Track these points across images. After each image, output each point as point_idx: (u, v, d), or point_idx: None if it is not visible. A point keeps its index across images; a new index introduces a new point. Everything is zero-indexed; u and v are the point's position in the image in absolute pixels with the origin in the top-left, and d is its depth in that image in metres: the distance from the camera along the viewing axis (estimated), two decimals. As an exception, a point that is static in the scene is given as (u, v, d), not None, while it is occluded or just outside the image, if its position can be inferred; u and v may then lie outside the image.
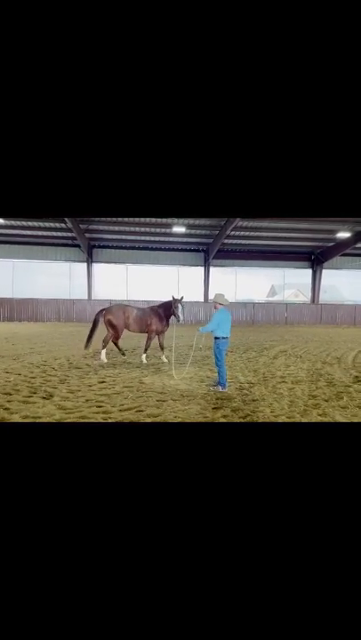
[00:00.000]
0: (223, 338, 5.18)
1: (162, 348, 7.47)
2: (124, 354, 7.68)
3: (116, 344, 7.52)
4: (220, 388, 5.15)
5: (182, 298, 6.96)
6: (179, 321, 6.85)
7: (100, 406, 4.24)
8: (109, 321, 7.07)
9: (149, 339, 7.19)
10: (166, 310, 7.17)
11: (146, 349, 7.27)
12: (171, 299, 7.08)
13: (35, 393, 4.76)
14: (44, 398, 4.53)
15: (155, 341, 7.57)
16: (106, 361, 7.10)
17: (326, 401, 4.69)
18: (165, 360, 7.23)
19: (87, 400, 4.48)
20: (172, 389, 5.15)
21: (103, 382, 5.48)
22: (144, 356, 7.25)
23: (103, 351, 7.15)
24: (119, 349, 7.65)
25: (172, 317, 7.07)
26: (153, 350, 8.16)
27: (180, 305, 6.81)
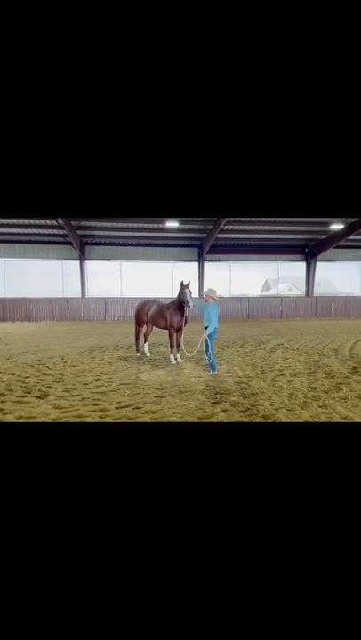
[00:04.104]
0: (215, 328, 5.84)
1: (178, 346, 6.82)
2: (137, 350, 7.59)
3: (137, 338, 7.58)
4: (211, 372, 5.75)
5: (189, 283, 6.48)
6: (188, 307, 6.37)
7: (96, 404, 4.14)
8: (134, 314, 7.66)
9: (169, 336, 6.76)
10: (179, 303, 6.54)
11: (171, 347, 6.78)
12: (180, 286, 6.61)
13: (29, 393, 4.64)
14: (39, 398, 4.41)
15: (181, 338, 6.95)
16: (148, 354, 7.50)
17: (326, 392, 4.64)
18: (175, 361, 6.68)
19: (83, 398, 4.38)
20: (169, 385, 5.06)
21: (99, 380, 5.38)
22: (171, 355, 6.75)
23: (145, 345, 7.57)
24: (136, 345, 7.61)
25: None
26: (153, 347, 8.12)
27: (187, 290, 6.35)
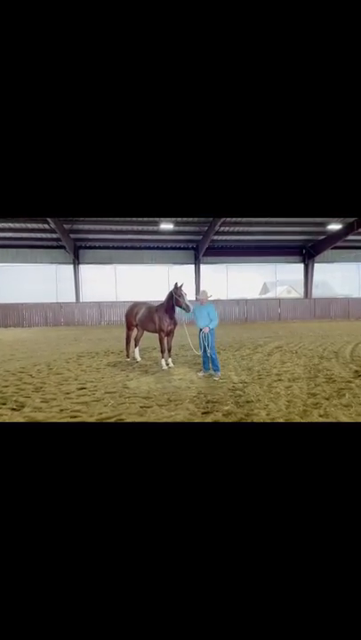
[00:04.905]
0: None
1: (169, 350, 6.47)
2: (127, 356, 7.22)
3: (127, 343, 7.21)
4: (219, 374, 5.61)
5: (182, 285, 6.09)
6: (188, 310, 5.89)
7: (74, 417, 3.76)
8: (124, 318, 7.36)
9: (159, 340, 6.39)
10: (168, 305, 6.18)
11: (162, 352, 6.41)
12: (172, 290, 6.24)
13: (4, 404, 4.26)
14: (14, 409, 4.03)
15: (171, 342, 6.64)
16: (139, 359, 7.17)
17: (327, 399, 4.27)
18: (166, 367, 6.31)
19: (62, 410, 4.00)
20: (158, 393, 4.68)
21: (83, 388, 5.00)
22: (163, 360, 6.40)
23: (135, 349, 7.22)
24: (127, 350, 7.24)
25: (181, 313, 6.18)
26: (145, 352, 7.77)
27: (182, 293, 5.93)
